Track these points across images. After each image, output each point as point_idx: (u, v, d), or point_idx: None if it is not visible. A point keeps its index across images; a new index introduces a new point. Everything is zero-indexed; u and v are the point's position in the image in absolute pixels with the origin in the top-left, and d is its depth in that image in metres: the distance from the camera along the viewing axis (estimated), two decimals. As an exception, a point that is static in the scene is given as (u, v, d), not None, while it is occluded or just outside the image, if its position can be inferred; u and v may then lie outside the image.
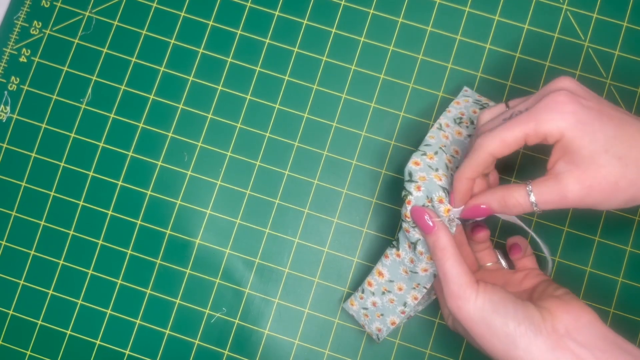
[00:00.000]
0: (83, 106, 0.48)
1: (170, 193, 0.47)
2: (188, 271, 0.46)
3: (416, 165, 0.39)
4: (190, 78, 0.48)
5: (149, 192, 0.47)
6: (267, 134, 0.47)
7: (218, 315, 0.46)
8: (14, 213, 0.47)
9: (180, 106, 0.48)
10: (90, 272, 0.47)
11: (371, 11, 0.48)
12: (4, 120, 0.48)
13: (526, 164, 0.46)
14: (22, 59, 0.49)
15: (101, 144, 0.48)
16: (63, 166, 0.48)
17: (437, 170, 0.38)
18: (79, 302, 0.46)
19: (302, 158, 0.47)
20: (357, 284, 0.46)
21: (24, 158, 0.48)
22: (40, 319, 0.46)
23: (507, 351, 0.33)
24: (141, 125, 0.48)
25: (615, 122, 0.34)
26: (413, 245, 0.39)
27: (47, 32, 0.49)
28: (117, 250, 0.47)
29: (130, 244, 0.47)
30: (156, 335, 0.46)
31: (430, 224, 0.37)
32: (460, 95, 0.45)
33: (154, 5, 0.49)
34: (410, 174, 0.38)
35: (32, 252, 0.47)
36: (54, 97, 0.48)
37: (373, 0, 0.48)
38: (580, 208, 0.35)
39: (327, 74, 0.48)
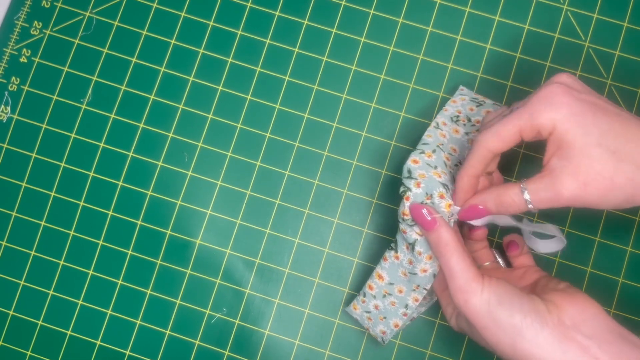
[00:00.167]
0: (83, 106, 0.48)
1: (170, 193, 0.47)
2: (188, 271, 0.46)
3: (415, 163, 0.38)
4: (191, 78, 0.48)
5: (149, 193, 0.47)
6: (268, 134, 0.47)
7: (218, 315, 0.46)
8: (14, 213, 0.47)
9: (181, 106, 0.48)
10: (90, 272, 0.47)
11: (371, 11, 0.48)
12: (4, 121, 0.48)
13: (527, 165, 0.46)
14: (23, 60, 0.49)
15: (101, 144, 0.48)
16: (63, 166, 0.48)
17: (435, 167, 0.38)
18: (80, 302, 0.46)
19: (303, 158, 0.47)
20: (358, 284, 0.46)
21: (24, 158, 0.48)
22: (41, 320, 0.46)
23: (513, 343, 0.33)
24: (142, 125, 0.48)
25: (609, 116, 0.34)
26: (411, 246, 0.39)
27: (48, 32, 0.49)
28: (117, 250, 0.47)
29: (130, 244, 0.47)
30: (156, 336, 0.46)
31: (429, 218, 0.36)
32: (457, 94, 0.45)
33: (154, 5, 0.49)
34: (409, 171, 0.38)
35: (33, 253, 0.47)
36: (55, 97, 0.48)
37: (373, 1, 0.48)
38: (578, 207, 0.35)
39: (328, 74, 0.48)
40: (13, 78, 0.48)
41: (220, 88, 0.48)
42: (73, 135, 0.48)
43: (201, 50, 0.48)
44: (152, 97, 0.48)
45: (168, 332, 0.46)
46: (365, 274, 0.46)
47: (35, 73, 0.48)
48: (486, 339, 0.35)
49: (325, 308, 0.46)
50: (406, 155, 0.46)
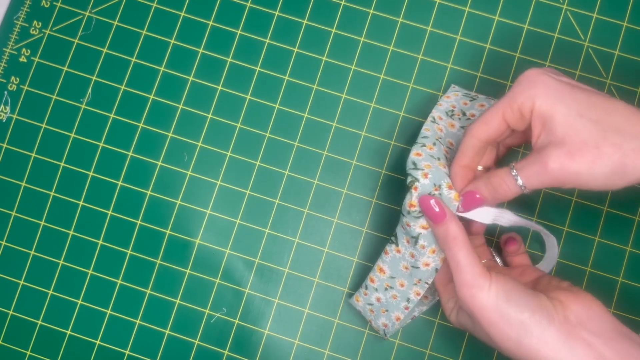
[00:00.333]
0: (83, 106, 0.48)
1: (170, 193, 0.47)
2: (188, 271, 0.46)
3: (418, 156, 0.38)
4: (190, 78, 0.48)
5: (149, 192, 0.47)
6: (267, 134, 0.47)
7: (218, 315, 0.46)
8: (14, 213, 0.47)
9: (180, 106, 0.48)
10: (90, 272, 0.47)
11: (371, 11, 0.48)
12: (4, 120, 0.48)
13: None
14: (22, 59, 0.49)
15: (101, 144, 0.48)
16: (63, 166, 0.48)
17: (439, 159, 0.38)
18: (79, 302, 0.46)
19: (302, 158, 0.47)
20: (357, 284, 0.46)
21: (24, 158, 0.48)
22: (40, 319, 0.46)
23: (520, 339, 0.33)
24: (141, 125, 0.48)
25: (587, 93, 0.34)
26: (414, 240, 0.38)
27: (47, 32, 0.49)
28: (117, 250, 0.47)
29: (130, 244, 0.47)
30: (156, 336, 0.46)
31: (438, 210, 0.36)
32: (450, 91, 0.45)
33: (154, 5, 0.49)
34: (414, 163, 0.38)
35: (32, 252, 0.47)
36: (54, 97, 0.48)
37: (373, 0, 0.48)
38: (570, 186, 0.34)
39: (327, 74, 0.48)
40: (12, 78, 0.48)
41: (219, 88, 0.48)
42: (72, 135, 0.48)
43: (201, 50, 0.48)
44: (151, 96, 0.48)
45: (167, 331, 0.46)
46: (365, 273, 0.46)
47: (34, 73, 0.48)
48: (491, 335, 0.35)
49: (325, 308, 0.46)
50: (406, 155, 0.46)
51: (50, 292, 0.46)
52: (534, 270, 0.41)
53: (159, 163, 0.47)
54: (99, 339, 0.46)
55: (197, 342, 0.46)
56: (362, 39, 0.48)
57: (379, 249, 0.46)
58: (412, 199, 0.37)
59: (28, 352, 0.46)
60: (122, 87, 0.48)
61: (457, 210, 0.37)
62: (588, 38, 0.48)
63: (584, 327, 0.33)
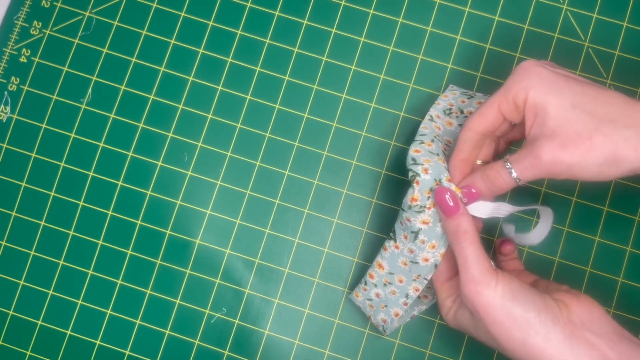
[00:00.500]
0: (83, 106, 0.48)
1: (170, 193, 0.47)
2: (188, 271, 0.46)
3: (417, 152, 0.38)
4: (191, 78, 0.48)
5: (149, 192, 0.47)
6: (267, 134, 0.47)
7: (218, 315, 0.46)
8: (14, 213, 0.47)
9: (181, 106, 0.48)
10: (90, 272, 0.47)
11: (371, 11, 0.48)
12: (4, 121, 0.48)
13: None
14: (22, 59, 0.49)
15: (101, 144, 0.48)
16: (63, 166, 0.48)
17: (437, 155, 0.39)
18: (79, 302, 0.46)
19: (302, 158, 0.47)
20: (357, 283, 0.46)
21: (24, 158, 0.48)
22: (40, 319, 0.46)
23: (525, 339, 0.33)
24: (141, 125, 0.48)
25: (582, 84, 0.34)
26: (414, 235, 0.38)
27: (47, 32, 0.49)
28: (117, 250, 0.47)
29: (130, 244, 0.47)
30: (156, 336, 0.46)
31: (451, 203, 0.36)
32: (448, 90, 0.45)
33: (154, 5, 0.49)
34: (413, 159, 0.38)
35: (32, 252, 0.47)
36: (54, 97, 0.48)
37: (373, 1, 0.48)
38: (563, 177, 0.34)
39: (327, 74, 0.48)
40: (13, 78, 0.48)
41: (220, 88, 0.48)
42: (73, 135, 0.48)
43: (201, 50, 0.48)
44: (151, 97, 0.48)
45: (168, 332, 0.46)
46: (365, 273, 0.46)
47: (34, 73, 0.48)
48: (495, 334, 0.34)
49: (325, 308, 0.46)
50: (406, 155, 0.46)
51: (51, 292, 0.46)
52: (528, 274, 0.41)
53: (159, 163, 0.47)
54: (99, 339, 0.46)
55: (197, 342, 0.46)
56: (362, 39, 0.48)
57: (379, 249, 0.46)
58: (414, 193, 0.37)
59: (28, 352, 0.46)
60: (122, 87, 0.48)
61: None
62: (588, 38, 0.48)
63: (587, 328, 0.33)
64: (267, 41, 0.48)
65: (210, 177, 0.47)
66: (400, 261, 0.40)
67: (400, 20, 0.48)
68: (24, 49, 0.49)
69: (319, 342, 0.45)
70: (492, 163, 0.36)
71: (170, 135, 0.48)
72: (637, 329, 0.45)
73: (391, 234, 0.40)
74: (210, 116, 0.48)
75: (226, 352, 0.46)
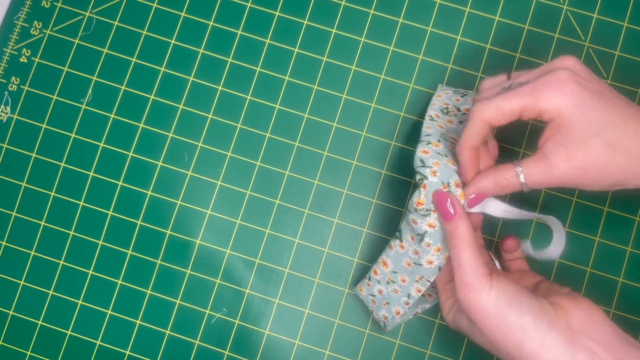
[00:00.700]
0: (83, 106, 0.48)
1: (170, 193, 0.47)
2: (188, 271, 0.46)
3: (425, 153, 0.38)
4: (191, 78, 0.48)
5: (149, 193, 0.47)
6: (268, 134, 0.47)
7: (218, 315, 0.46)
8: (14, 213, 0.47)
9: (181, 106, 0.48)
10: (90, 272, 0.47)
11: (371, 11, 0.48)
12: (4, 121, 0.48)
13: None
14: (23, 59, 0.49)
15: (101, 144, 0.48)
16: (63, 166, 0.48)
17: (446, 155, 0.38)
18: (79, 302, 0.46)
19: (303, 158, 0.47)
20: (361, 279, 0.46)
21: (24, 158, 0.48)
22: (41, 319, 0.46)
23: (520, 344, 0.33)
24: (141, 125, 0.48)
25: (612, 107, 0.34)
26: (420, 237, 0.38)
27: (48, 32, 0.49)
28: (117, 250, 0.47)
29: (130, 244, 0.47)
30: (156, 336, 0.46)
31: (452, 211, 0.36)
32: (439, 90, 0.45)
33: (154, 5, 0.49)
34: (422, 161, 0.38)
35: (33, 253, 0.47)
36: (54, 97, 0.48)
37: (373, 1, 0.48)
38: (569, 187, 0.35)
39: (328, 74, 0.48)
40: (13, 78, 0.48)
41: (220, 88, 0.48)
42: (73, 135, 0.48)
43: (201, 50, 0.48)
44: (152, 97, 0.48)
45: (168, 332, 0.46)
46: (365, 273, 0.46)
47: (35, 73, 0.48)
48: (490, 339, 0.34)
49: (325, 308, 0.46)
50: (406, 155, 0.46)
51: (51, 292, 0.46)
52: (532, 275, 0.41)
53: (160, 163, 0.47)
54: (99, 339, 0.46)
55: (197, 342, 0.46)
56: (363, 39, 0.48)
57: (379, 249, 0.46)
58: (420, 197, 0.37)
59: (28, 353, 0.46)
60: (123, 88, 0.48)
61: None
62: (588, 38, 0.48)
63: (585, 334, 0.33)
64: (268, 41, 0.48)
65: (211, 177, 0.47)
66: (405, 261, 0.40)
67: (401, 20, 0.48)
68: (24, 49, 0.49)
69: (319, 342, 0.45)
70: (503, 171, 0.36)
71: (170, 135, 0.48)
72: (637, 329, 0.45)
73: (397, 233, 0.40)
74: (210, 116, 0.48)
75: (226, 352, 0.46)
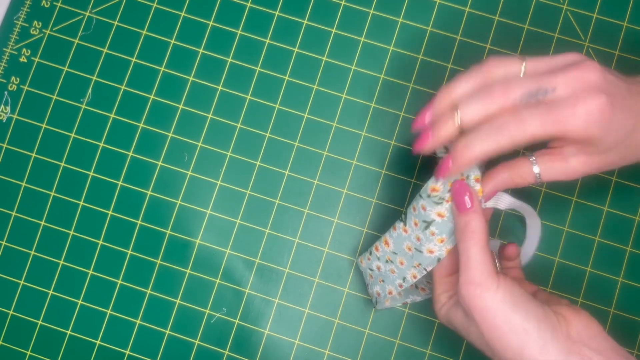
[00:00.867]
0: (83, 106, 0.48)
1: (170, 193, 0.47)
2: (188, 271, 0.46)
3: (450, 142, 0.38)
4: (191, 78, 0.48)
5: (149, 192, 0.47)
6: (267, 134, 0.47)
7: (218, 315, 0.46)
8: (14, 213, 0.47)
9: (181, 106, 0.48)
10: (90, 272, 0.47)
11: (371, 11, 0.48)
12: (4, 121, 0.48)
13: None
14: (22, 59, 0.49)
15: (101, 144, 0.48)
16: (63, 166, 0.48)
17: None
18: (79, 302, 0.46)
19: (302, 158, 0.47)
20: (357, 284, 0.46)
21: (24, 158, 0.48)
22: (41, 319, 0.46)
23: (521, 347, 0.33)
24: (141, 125, 0.48)
25: (634, 116, 0.34)
26: (426, 224, 0.38)
27: (47, 32, 0.49)
28: (117, 250, 0.47)
29: (130, 244, 0.47)
30: (156, 336, 0.46)
31: (469, 205, 0.35)
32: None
33: (154, 5, 0.49)
34: (446, 148, 0.37)
35: (32, 252, 0.47)
36: (54, 97, 0.48)
37: (373, 0, 0.48)
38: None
39: (327, 74, 0.48)
40: (13, 78, 0.48)
41: (220, 88, 0.48)
42: (73, 135, 0.48)
43: (201, 50, 0.48)
44: (151, 97, 0.48)
45: (168, 331, 0.46)
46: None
47: (35, 73, 0.48)
48: (490, 339, 0.34)
49: (325, 308, 0.46)
50: (406, 155, 0.46)
51: (51, 292, 0.46)
52: (528, 284, 0.40)
53: (159, 163, 0.47)
54: (99, 339, 0.46)
55: (197, 342, 0.46)
56: (362, 39, 0.48)
57: (379, 249, 0.46)
58: (437, 184, 0.37)
59: (28, 352, 0.46)
60: (123, 87, 0.48)
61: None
62: (588, 38, 0.48)
63: (585, 344, 0.33)
64: (267, 41, 0.48)
65: (211, 177, 0.47)
66: (406, 245, 0.39)
67: (400, 20, 0.48)
68: (24, 49, 0.49)
69: (319, 342, 0.45)
70: (518, 166, 0.36)
71: (170, 135, 0.48)
72: (638, 329, 0.45)
73: (402, 216, 0.40)
74: (210, 116, 0.48)
75: (226, 352, 0.46)
